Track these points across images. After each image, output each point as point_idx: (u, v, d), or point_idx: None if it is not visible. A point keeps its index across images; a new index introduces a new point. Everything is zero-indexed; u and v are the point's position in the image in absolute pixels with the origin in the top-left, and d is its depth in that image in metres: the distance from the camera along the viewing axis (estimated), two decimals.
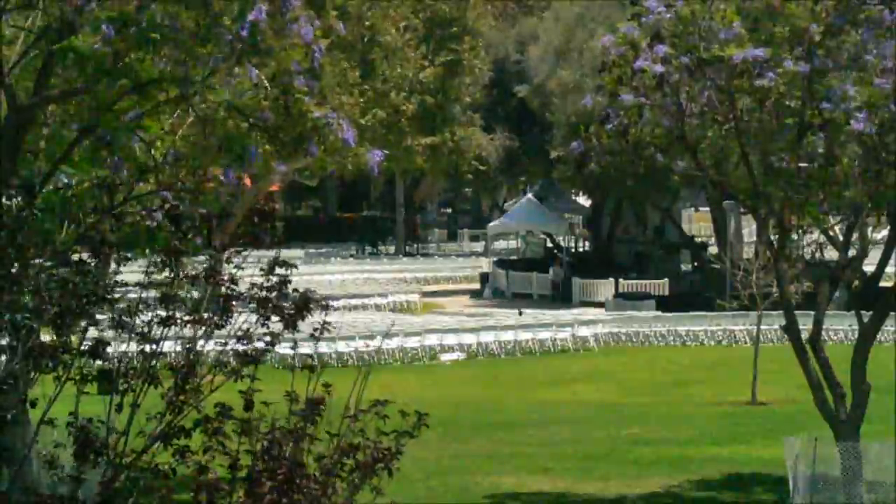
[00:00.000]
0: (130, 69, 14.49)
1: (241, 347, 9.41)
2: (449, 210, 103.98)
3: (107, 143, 15.01)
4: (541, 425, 32.18)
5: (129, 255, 9.78)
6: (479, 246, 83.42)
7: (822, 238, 21.75)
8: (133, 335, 9.32)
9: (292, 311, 9.54)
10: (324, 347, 41.25)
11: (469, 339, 45.98)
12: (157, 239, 12.24)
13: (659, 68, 19.09)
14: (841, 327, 45.21)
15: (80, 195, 14.30)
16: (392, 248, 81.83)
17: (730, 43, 18.92)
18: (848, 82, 18.64)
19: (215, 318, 9.33)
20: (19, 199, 14.09)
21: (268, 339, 9.54)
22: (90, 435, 9.15)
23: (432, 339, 45.36)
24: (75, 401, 9.21)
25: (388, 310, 57.84)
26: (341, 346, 42.85)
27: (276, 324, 9.63)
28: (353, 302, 58.43)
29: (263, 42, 14.77)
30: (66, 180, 15.37)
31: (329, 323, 9.70)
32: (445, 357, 45.05)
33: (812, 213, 20.33)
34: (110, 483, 9.03)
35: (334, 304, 54.83)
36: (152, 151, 15.77)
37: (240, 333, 9.43)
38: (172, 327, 9.32)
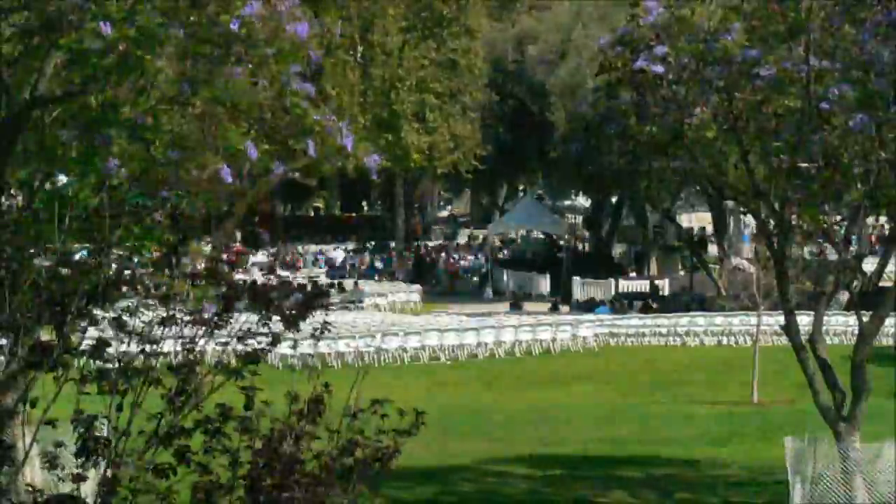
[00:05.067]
0: (135, 67, 14.46)
1: (241, 347, 9.42)
2: (448, 209, 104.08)
3: (105, 142, 15.00)
4: (540, 425, 32.20)
5: (129, 254, 9.80)
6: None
7: (821, 238, 21.75)
8: (133, 335, 9.32)
9: (293, 312, 9.55)
10: (324, 347, 41.31)
11: (469, 338, 46.01)
12: (151, 237, 12.25)
13: (658, 69, 19.10)
14: (841, 327, 45.24)
15: (79, 195, 14.30)
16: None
17: (729, 43, 18.92)
18: (845, 82, 18.64)
19: (216, 318, 9.33)
20: (18, 199, 14.10)
21: (269, 339, 9.55)
22: (93, 432, 9.16)
23: (432, 339, 45.39)
24: (75, 401, 9.21)
25: (388, 310, 57.89)
26: (341, 346, 42.90)
27: (276, 323, 9.64)
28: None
29: (260, 42, 14.76)
30: (64, 180, 15.36)
31: (329, 323, 9.72)
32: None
33: (811, 212, 20.32)
34: (111, 483, 9.04)
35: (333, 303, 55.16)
36: (151, 151, 15.75)
37: (240, 333, 9.43)
38: (173, 327, 9.32)
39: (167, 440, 9.28)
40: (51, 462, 9.31)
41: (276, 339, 9.51)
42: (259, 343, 9.46)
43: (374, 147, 21.24)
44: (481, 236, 79.92)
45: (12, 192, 15.01)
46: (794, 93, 19.18)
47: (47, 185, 15.13)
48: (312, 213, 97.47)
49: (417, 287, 63.06)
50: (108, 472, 9.13)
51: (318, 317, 9.77)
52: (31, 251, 10.17)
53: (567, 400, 37.00)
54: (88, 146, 15.33)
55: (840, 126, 18.65)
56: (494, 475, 25.75)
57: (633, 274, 65.17)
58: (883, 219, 21.10)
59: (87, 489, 9.27)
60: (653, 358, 45.26)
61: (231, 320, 9.38)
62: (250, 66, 15.18)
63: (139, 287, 9.43)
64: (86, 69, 14.55)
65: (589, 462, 27.18)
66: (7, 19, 14.87)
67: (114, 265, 9.55)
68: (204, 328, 9.32)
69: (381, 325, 48.73)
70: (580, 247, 73.88)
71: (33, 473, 11.17)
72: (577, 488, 24.59)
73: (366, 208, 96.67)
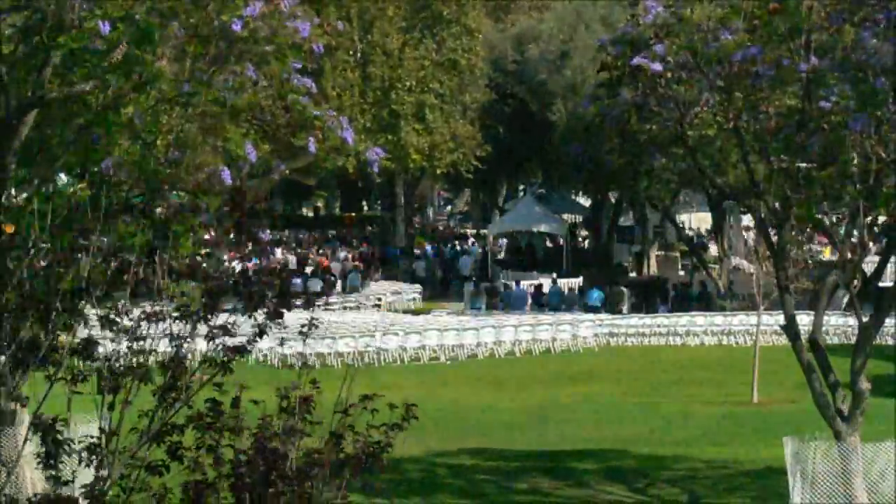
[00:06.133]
0: (138, 66, 14.46)
1: (228, 340, 9.44)
2: (448, 209, 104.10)
3: (103, 143, 15.00)
4: (540, 425, 32.17)
5: (121, 255, 9.77)
6: None
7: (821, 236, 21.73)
8: (122, 332, 9.31)
9: (275, 302, 9.57)
10: (324, 347, 41.33)
11: (469, 338, 45.98)
12: (133, 240, 12.25)
13: (657, 67, 19.08)
14: (841, 327, 45.19)
15: (76, 194, 14.30)
16: None
17: (729, 42, 18.89)
18: (845, 82, 18.61)
19: (202, 311, 9.33)
20: (17, 198, 14.08)
21: (254, 330, 9.58)
22: (56, 434, 9.15)
23: (432, 339, 45.37)
24: (67, 400, 9.19)
25: (387, 309, 57.87)
26: (341, 346, 42.88)
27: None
28: (353, 301, 58.51)
29: (261, 40, 14.77)
30: (63, 179, 15.36)
31: (317, 318, 9.74)
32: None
33: (810, 212, 20.30)
34: (102, 482, 9.03)
35: (334, 303, 54.91)
36: (153, 151, 15.75)
37: (226, 324, 9.44)
38: (161, 323, 9.32)
39: (159, 437, 9.28)
40: (44, 462, 9.30)
41: (261, 332, 9.55)
42: (244, 336, 9.49)
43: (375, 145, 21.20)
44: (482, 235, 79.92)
45: (12, 192, 15.01)
46: (794, 91, 19.16)
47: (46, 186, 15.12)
48: (313, 213, 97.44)
49: (418, 287, 62.98)
50: (103, 472, 9.12)
51: (317, 313, 9.79)
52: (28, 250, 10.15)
53: (567, 400, 36.96)
54: (86, 145, 15.32)
55: (839, 125, 18.62)
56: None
57: (633, 274, 65.16)
58: (882, 218, 21.06)
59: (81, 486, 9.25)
60: (653, 358, 45.22)
61: (216, 315, 9.40)
62: (250, 63, 15.18)
63: (126, 282, 9.44)
64: (85, 69, 14.54)
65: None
66: (6, 19, 14.86)
67: (99, 260, 9.55)
68: (191, 322, 9.34)
69: (381, 324, 48.72)
70: (579, 246, 73.86)
71: (30, 472, 11.15)
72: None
73: (366, 208, 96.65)
